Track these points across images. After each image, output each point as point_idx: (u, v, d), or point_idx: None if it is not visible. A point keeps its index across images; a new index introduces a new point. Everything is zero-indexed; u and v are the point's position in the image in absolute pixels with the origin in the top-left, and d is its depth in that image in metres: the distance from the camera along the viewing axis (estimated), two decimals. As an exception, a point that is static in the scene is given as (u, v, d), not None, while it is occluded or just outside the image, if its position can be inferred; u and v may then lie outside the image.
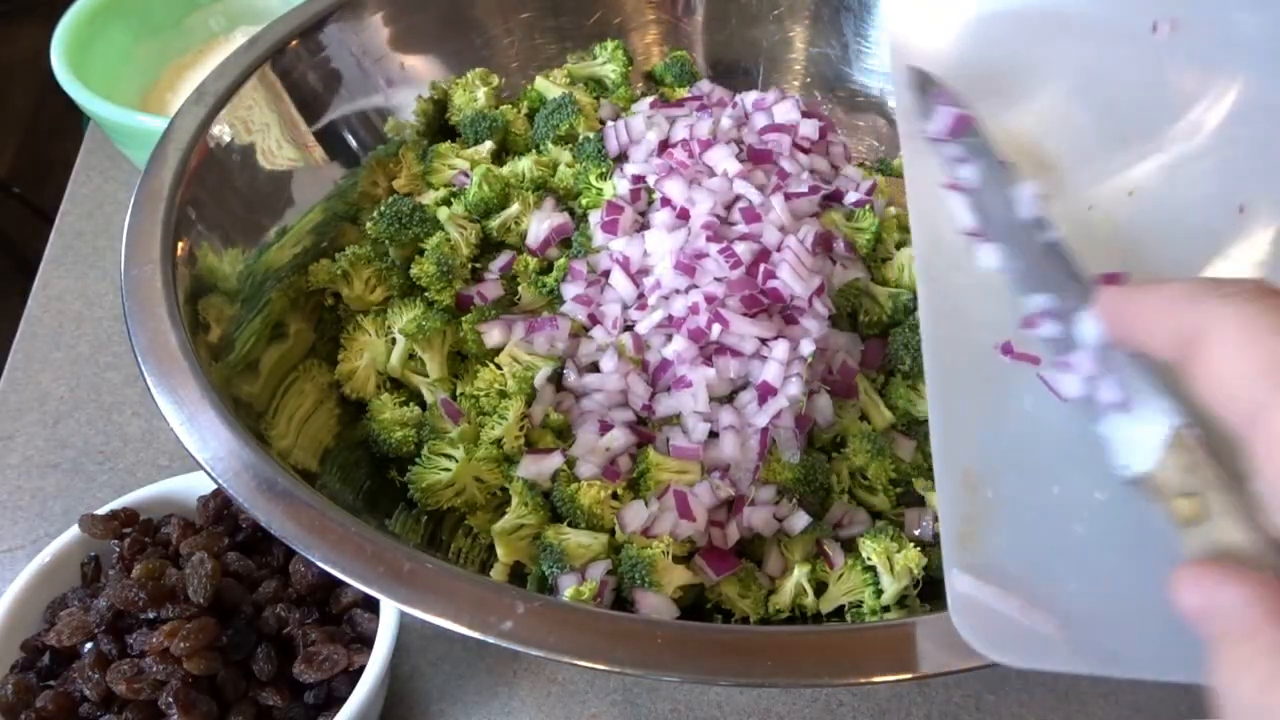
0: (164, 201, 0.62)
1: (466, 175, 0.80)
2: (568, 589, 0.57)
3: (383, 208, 0.74)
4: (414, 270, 0.73)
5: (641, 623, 0.48)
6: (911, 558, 0.59)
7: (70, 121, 1.14)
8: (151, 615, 0.59)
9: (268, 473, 0.50)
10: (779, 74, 0.95)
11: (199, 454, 0.50)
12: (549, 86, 0.89)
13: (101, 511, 0.66)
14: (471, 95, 0.86)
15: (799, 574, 0.61)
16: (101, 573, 0.66)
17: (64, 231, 1.03)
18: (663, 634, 0.44)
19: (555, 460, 0.64)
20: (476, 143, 0.84)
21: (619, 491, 0.63)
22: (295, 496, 0.49)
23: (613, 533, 0.62)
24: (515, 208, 0.78)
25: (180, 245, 0.61)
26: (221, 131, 0.68)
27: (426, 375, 0.71)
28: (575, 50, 0.93)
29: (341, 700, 0.58)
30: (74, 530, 0.66)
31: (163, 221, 0.61)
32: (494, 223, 0.78)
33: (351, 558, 0.46)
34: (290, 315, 0.70)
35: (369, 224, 0.74)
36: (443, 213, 0.76)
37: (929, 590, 0.61)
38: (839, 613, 0.62)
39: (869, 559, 0.60)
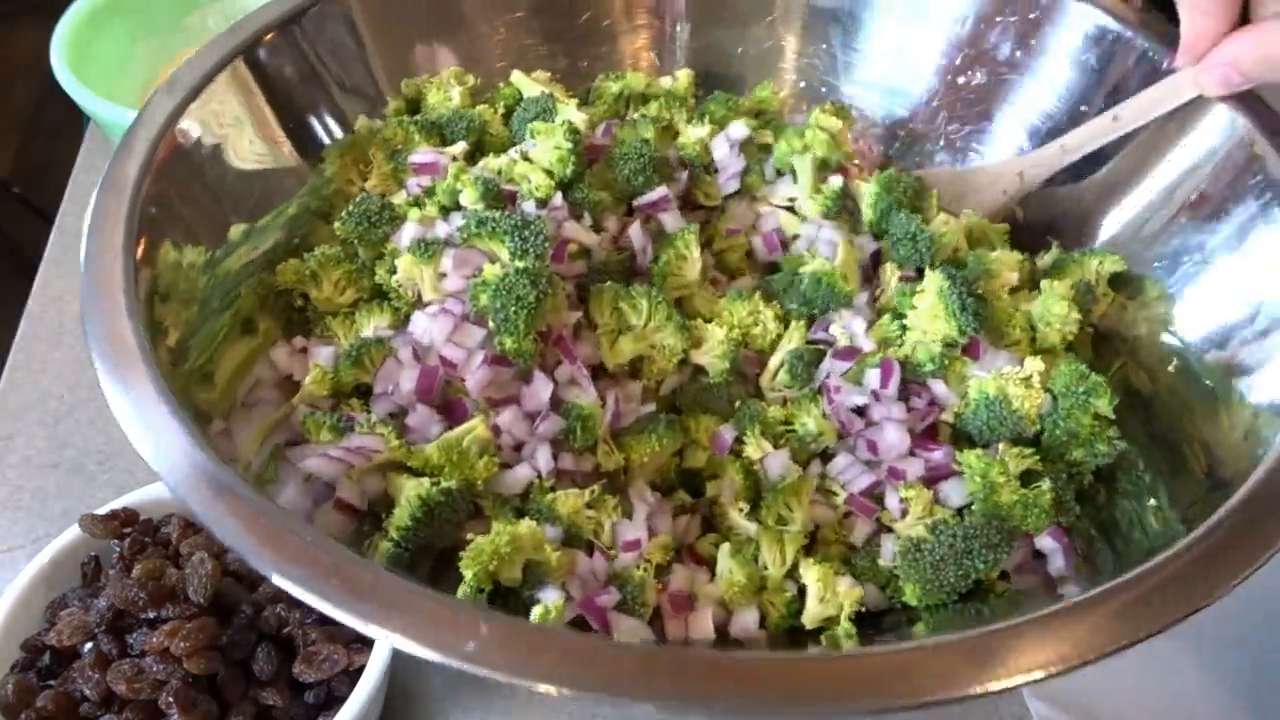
0: (128, 199, 0.59)
1: (437, 165, 0.75)
2: (537, 609, 0.54)
3: (351, 207, 0.71)
4: (379, 274, 0.70)
5: (607, 644, 0.47)
6: (852, 595, 0.58)
7: (70, 121, 1.13)
8: (152, 615, 0.60)
9: (225, 480, 0.47)
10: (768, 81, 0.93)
11: (153, 461, 0.48)
12: (526, 82, 0.84)
13: (102, 511, 0.67)
14: (446, 95, 0.82)
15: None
16: (102, 573, 0.66)
17: (64, 231, 1.02)
18: (630, 658, 0.43)
19: (524, 471, 0.61)
20: (452, 143, 0.79)
21: (594, 492, 0.62)
22: (253, 503, 0.46)
23: (590, 545, 0.60)
24: None
25: (142, 244, 0.58)
26: (191, 126, 0.66)
27: None
28: (563, 52, 0.89)
29: (342, 700, 0.59)
30: (74, 530, 0.66)
31: (125, 219, 0.58)
32: None
33: (306, 568, 0.44)
34: (260, 313, 0.67)
35: (337, 224, 0.71)
36: (413, 213, 0.72)
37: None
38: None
39: (802, 578, 0.59)
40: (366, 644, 0.61)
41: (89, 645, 0.61)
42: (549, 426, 0.62)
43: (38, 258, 1.00)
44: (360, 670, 0.59)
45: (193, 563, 0.60)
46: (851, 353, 0.67)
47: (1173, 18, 0.66)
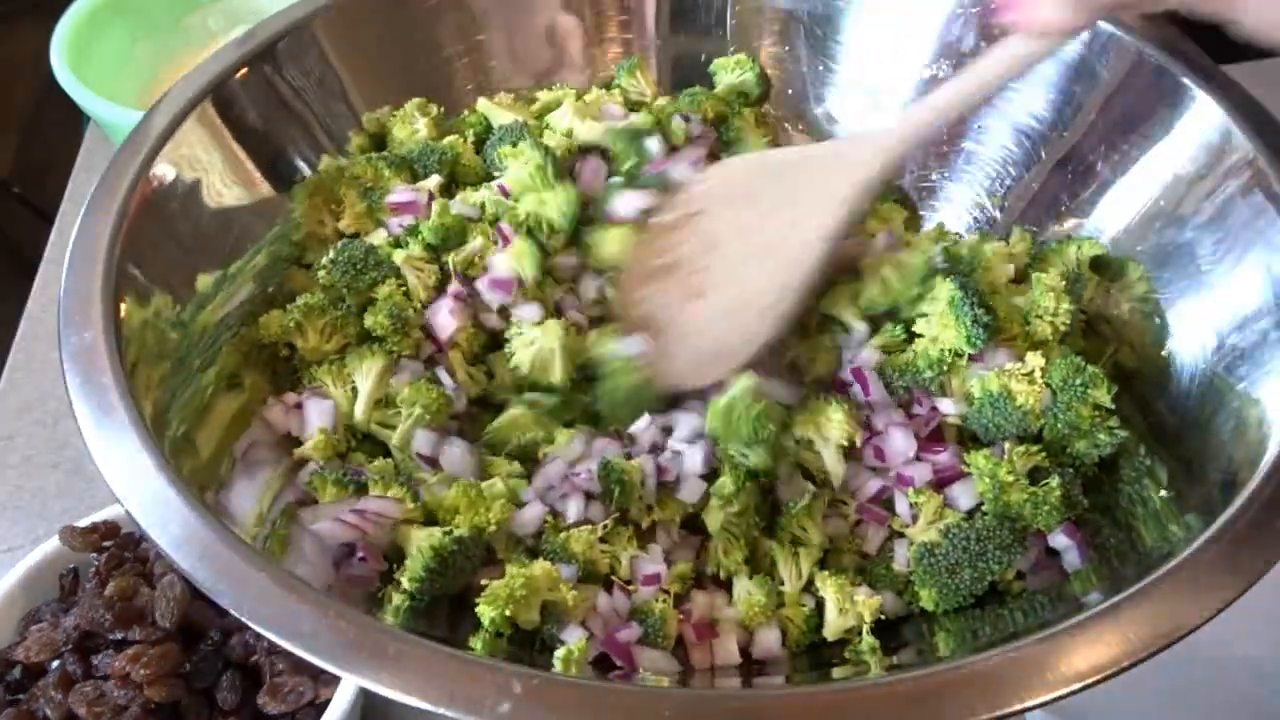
0: (101, 261, 0.53)
1: (416, 204, 0.69)
2: (560, 651, 0.50)
3: (333, 254, 0.64)
4: (368, 321, 0.63)
5: (644, 694, 0.43)
6: (870, 605, 0.53)
7: (70, 121, 1.07)
8: (119, 636, 0.53)
9: (234, 551, 0.43)
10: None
11: (158, 538, 0.43)
12: (494, 110, 0.76)
13: (82, 524, 0.60)
14: (412, 128, 0.73)
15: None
16: (79, 586, 0.59)
17: (64, 231, 0.96)
18: (670, 705, 0.40)
19: (536, 511, 0.56)
20: (424, 177, 0.71)
21: (608, 526, 0.56)
22: (266, 577, 0.42)
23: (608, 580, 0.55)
24: (479, 241, 0.67)
25: (122, 306, 0.53)
26: (164, 173, 0.59)
27: (394, 426, 0.62)
28: (531, 73, 0.81)
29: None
30: (54, 541, 0.60)
31: (101, 280, 0.52)
32: (457, 258, 0.67)
33: (325, 639, 0.40)
34: (245, 368, 0.61)
35: (321, 272, 0.64)
36: (398, 255, 0.65)
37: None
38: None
39: (820, 591, 0.55)
40: (336, 676, 0.54)
41: (56, 663, 0.54)
42: (585, 480, 0.57)
43: (38, 258, 0.95)
44: (326, 705, 0.53)
45: (162, 585, 0.54)
46: (844, 386, 0.63)
47: (1173, 19, 0.61)
